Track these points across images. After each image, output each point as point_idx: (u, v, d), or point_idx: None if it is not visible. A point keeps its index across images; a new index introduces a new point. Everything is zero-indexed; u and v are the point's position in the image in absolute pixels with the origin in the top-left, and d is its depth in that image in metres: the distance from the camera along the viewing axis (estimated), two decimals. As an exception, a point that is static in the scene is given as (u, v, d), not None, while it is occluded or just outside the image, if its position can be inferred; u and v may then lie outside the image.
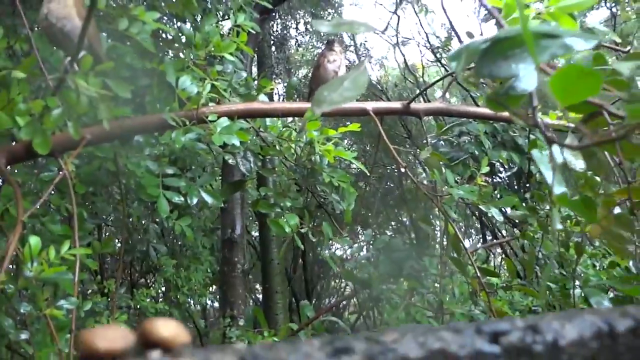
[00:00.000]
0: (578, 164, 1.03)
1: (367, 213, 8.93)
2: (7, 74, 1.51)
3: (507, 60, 0.53)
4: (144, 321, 0.27)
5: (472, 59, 0.56)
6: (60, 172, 1.63)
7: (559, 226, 1.07)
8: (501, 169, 4.64)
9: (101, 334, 0.25)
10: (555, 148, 0.56)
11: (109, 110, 1.52)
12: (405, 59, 7.17)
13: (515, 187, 4.67)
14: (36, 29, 1.92)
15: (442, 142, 3.96)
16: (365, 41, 9.47)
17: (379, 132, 2.13)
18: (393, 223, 10.67)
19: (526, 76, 0.54)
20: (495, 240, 5.40)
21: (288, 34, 8.77)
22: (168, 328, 0.26)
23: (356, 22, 0.68)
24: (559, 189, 0.60)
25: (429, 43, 7.17)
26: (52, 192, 1.94)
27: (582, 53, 0.89)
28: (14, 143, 1.74)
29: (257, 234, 7.78)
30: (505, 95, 0.58)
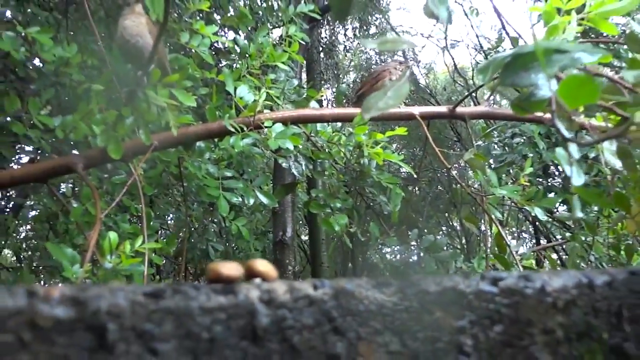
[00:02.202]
0: (616, 163, 1.10)
1: (417, 217, 8.94)
2: (86, 88, 1.69)
3: (527, 71, 0.63)
4: (248, 260, 0.39)
5: (497, 71, 0.65)
6: (131, 176, 1.79)
7: (580, 214, 1.14)
8: (556, 171, 4.59)
9: (224, 265, 0.37)
10: (572, 145, 0.65)
11: (176, 118, 1.67)
12: (454, 62, 7.18)
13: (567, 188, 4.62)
14: (99, 43, 2.10)
15: (494, 144, 3.99)
16: (414, 46, 9.50)
17: (426, 136, 2.21)
18: (444, 228, 10.62)
19: (544, 85, 0.63)
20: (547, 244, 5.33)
21: (336, 40, 8.89)
22: (264, 265, 0.38)
23: (400, 39, 0.79)
24: (577, 181, 0.69)
25: (480, 45, 7.14)
26: (124, 194, 2.12)
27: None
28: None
29: (307, 237, 7.93)
30: (528, 101, 0.67)
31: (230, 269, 0.38)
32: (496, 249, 1.78)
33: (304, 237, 8.43)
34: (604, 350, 0.42)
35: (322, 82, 7.83)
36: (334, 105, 5.69)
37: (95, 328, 0.31)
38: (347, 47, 9.20)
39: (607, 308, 0.43)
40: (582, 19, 1.62)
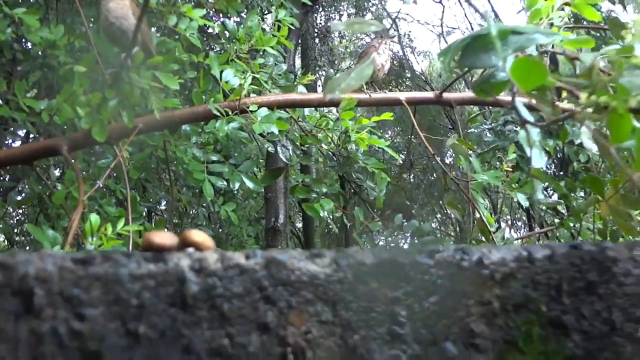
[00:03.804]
0: (593, 147, 1.11)
1: (412, 205, 8.95)
2: (69, 69, 1.68)
3: (487, 53, 0.63)
4: (183, 231, 0.40)
5: (457, 53, 0.66)
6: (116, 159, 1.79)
7: (541, 196, 1.14)
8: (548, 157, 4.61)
9: (156, 234, 0.38)
10: (532, 128, 0.65)
11: (160, 102, 1.66)
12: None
13: (562, 174, 4.64)
14: (90, 25, 2.09)
15: (486, 131, 3.99)
16: (410, 32, 9.47)
17: (413, 123, 2.21)
18: (438, 215, 10.64)
19: (505, 66, 0.64)
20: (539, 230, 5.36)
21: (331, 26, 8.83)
22: (199, 235, 0.39)
23: (368, 21, 0.79)
24: (537, 163, 0.69)
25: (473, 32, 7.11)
26: (109, 177, 2.12)
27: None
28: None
29: (301, 225, 7.94)
30: (488, 83, 0.67)
31: (163, 237, 0.38)
32: (479, 234, 1.79)
33: (299, 225, 8.44)
34: (541, 322, 0.43)
35: (317, 68, 7.79)
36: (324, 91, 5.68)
37: (23, 293, 0.31)
38: (342, 34, 9.15)
39: (547, 281, 0.44)
40: (568, 4, 1.61)
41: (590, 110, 0.54)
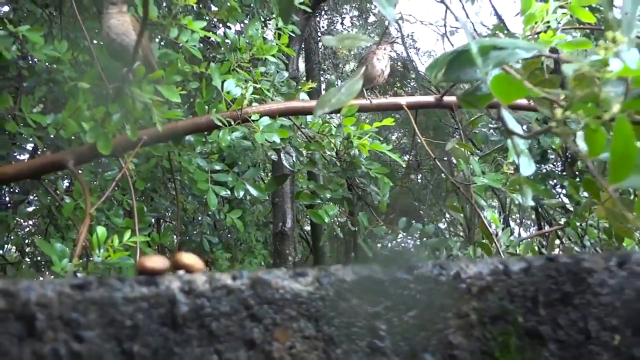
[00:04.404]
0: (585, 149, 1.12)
1: (420, 206, 8.95)
2: (73, 85, 1.72)
3: (472, 67, 0.65)
4: (174, 254, 0.42)
5: (443, 68, 0.68)
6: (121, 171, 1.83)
7: (531, 203, 1.16)
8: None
9: (149, 258, 0.40)
10: (517, 139, 0.67)
11: (162, 114, 1.70)
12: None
13: (566, 174, 4.63)
14: (94, 42, 2.12)
15: (492, 131, 3.99)
16: (413, 33, 9.48)
17: (414, 127, 2.23)
18: (447, 215, 10.63)
19: (487, 81, 0.66)
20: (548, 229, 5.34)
21: (334, 29, 8.87)
22: (190, 258, 0.42)
23: (358, 36, 0.81)
24: (525, 171, 0.71)
25: (476, 32, 7.12)
26: (116, 189, 2.15)
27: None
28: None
29: (309, 228, 7.96)
30: (474, 95, 0.69)
31: (155, 262, 0.41)
32: (482, 236, 1.81)
33: (307, 228, 8.46)
34: (518, 333, 0.45)
35: (321, 71, 7.82)
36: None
37: (26, 317, 0.34)
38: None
39: (523, 293, 0.46)
40: (562, 7, 1.63)
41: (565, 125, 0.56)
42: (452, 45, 7.12)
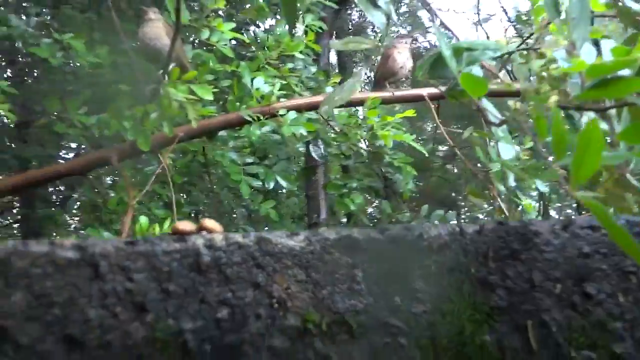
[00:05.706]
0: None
1: (457, 196, 8.94)
2: (114, 88, 1.88)
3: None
4: (200, 220, 0.55)
5: (428, 66, 0.79)
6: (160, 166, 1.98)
7: (513, 183, 1.25)
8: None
9: (181, 223, 0.53)
10: (494, 128, 0.78)
11: (196, 111, 1.84)
12: (487, 37, 7.13)
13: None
14: (126, 44, 2.28)
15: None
16: (376, 46, 9.40)
17: (458, 114, 2.31)
18: (485, 205, 10.56)
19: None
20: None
21: (365, 22, 8.90)
22: (211, 223, 0.55)
23: (362, 40, 0.93)
24: (505, 155, 0.82)
25: (509, 18, 7.07)
26: (156, 182, 2.32)
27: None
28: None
29: (345, 220, 8.05)
30: (455, 90, 0.80)
31: (185, 225, 0.54)
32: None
33: (344, 220, 8.55)
34: (471, 281, 0.56)
35: (353, 64, 7.89)
36: (367, 88, 5.79)
37: (92, 264, 0.47)
38: (376, 28, 9.18)
39: (475, 250, 0.57)
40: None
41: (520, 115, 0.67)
42: (486, 33, 7.10)
